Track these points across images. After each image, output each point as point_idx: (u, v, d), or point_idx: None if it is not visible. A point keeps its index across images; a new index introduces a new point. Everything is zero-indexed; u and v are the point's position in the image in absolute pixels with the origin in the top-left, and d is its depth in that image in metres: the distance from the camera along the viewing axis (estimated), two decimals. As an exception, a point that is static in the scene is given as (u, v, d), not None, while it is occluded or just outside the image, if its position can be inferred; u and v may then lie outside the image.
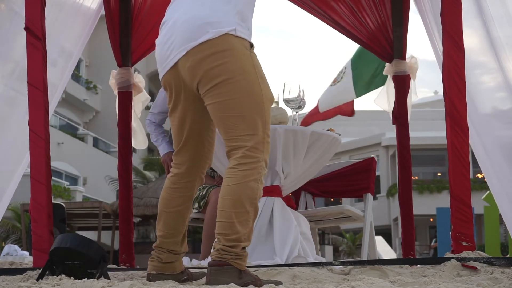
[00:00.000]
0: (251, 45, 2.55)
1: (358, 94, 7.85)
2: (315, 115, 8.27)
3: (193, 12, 2.52)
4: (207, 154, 2.76)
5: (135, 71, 5.03)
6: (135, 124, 4.89)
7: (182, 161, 2.73)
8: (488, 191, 8.39)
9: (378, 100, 5.17)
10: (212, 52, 2.46)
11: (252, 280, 2.42)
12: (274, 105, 4.03)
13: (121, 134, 4.80)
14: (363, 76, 7.72)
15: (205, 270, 2.75)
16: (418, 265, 3.40)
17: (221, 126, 2.53)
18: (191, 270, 2.95)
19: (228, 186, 2.46)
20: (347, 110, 8.39)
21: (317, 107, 8.21)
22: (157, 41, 2.67)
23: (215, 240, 2.49)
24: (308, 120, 8.26)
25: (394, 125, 4.90)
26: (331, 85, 8.10)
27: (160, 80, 2.67)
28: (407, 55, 4.90)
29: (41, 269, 2.78)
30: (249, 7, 2.60)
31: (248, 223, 2.46)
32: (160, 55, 2.63)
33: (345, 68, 7.92)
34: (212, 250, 2.49)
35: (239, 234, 2.42)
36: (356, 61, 7.81)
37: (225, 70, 2.45)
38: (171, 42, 2.55)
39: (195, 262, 3.94)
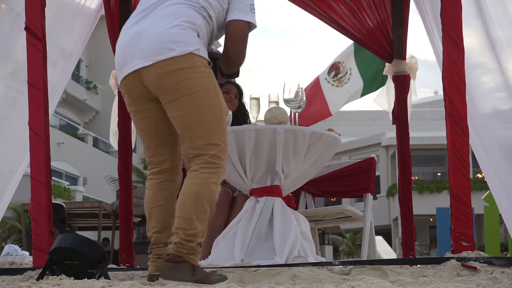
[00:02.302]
0: (209, 63, 2.75)
1: (363, 94, 7.84)
2: (319, 115, 8.18)
3: (162, 28, 2.71)
4: (180, 145, 2.94)
5: (135, 71, 5.01)
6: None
7: (163, 159, 2.89)
8: (488, 191, 8.39)
9: (378, 100, 5.17)
10: (177, 68, 2.66)
11: (202, 277, 2.58)
12: (274, 105, 4.03)
13: (121, 134, 4.80)
14: (368, 76, 7.72)
15: (205, 270, 2.79)
16: (418, 265, 3.39)
17: (186, 135, 2.72)
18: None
19: (190, 185, 2.64)
20: (324, 112, 8.32)
21: (325, 109, 8.13)
22: (118, 46, 2.86)
23: (173, 233, 2.61)
24: (311, 121, 8.15)
25: (394, 125, 4.90)
26: (337, 86, 8.03)
27: (119, 83, 2.85)
28: (407, 55, 4.90)
29: (41, 269, 2.79)
30: (207, 40, 2.84)
31: (205, 221, 2.63)
32: (121, 60, 2.82)
33: (350, 69, 7.88)
34: (169, 244, 2.62)
35: (197, 230, 2.59)
36: (358, 60, 7.79)
37: (189, 85, 2.67)
38: (134, 50, 2.73)
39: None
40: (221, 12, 2.84)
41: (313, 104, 7.95)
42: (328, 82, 8.01)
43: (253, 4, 2.88)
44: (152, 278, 2.78)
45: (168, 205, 2.84)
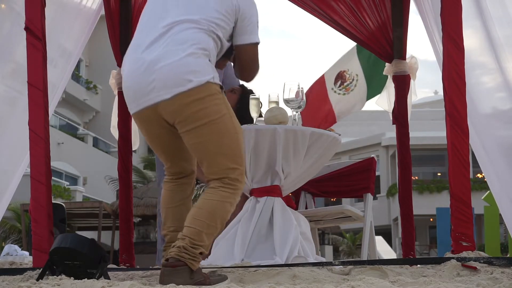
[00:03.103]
0: (221, 87, 2.82)
1: (368, 98, 7.84)
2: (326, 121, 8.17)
3: (177, 57, 2.73)
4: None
5: (135, 71, 5.00)
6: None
7: (180, 170, 2.99)
8: (488, 191, 8.40)
9: (379, 101, 5.17)
10: (196, 99, 2.72)
11: (202, 278, 2.64)
12: (274, 105, 4.03)
13: (121, 134, 4.80)
14: (372, 80, 7.72)
15: (206, 270, 2.82)
16: (418, 265, 3.40)
17: (204, 161, 2.79)
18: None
19: (208, 200, 2.72)
20: (331, 119, 8.32)
21: (332, 115, 8.11)
22: (128, 73, 2.83)
23: (179, 239, 2.65)
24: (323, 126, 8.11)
25: (394, 125, 4.90)
26: (344, 94, 8.02)
27: (133, 112, 2.86)
28: (407, 55, 4.90)
29: (41, 269, 2.79)
30: (216, 60, 2.92)
31: (213, 237, 2.73)
32: (133, 90, 2.81)
33: (357, 75, 7.88)
34: (171, 247, 2.65)
35: (204, 243, 2.66)
36: (362, 64, 7.80)
37: (206, 114, 2.73)
38: (151, 81, 2.74)
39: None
40: (228, 31, 2.91)
41: (319, 114, 7.97)
42: (335, 92, 8.04)
43: (258, 20, 2.97)
44: None
45: (184, 206, 2.94)
